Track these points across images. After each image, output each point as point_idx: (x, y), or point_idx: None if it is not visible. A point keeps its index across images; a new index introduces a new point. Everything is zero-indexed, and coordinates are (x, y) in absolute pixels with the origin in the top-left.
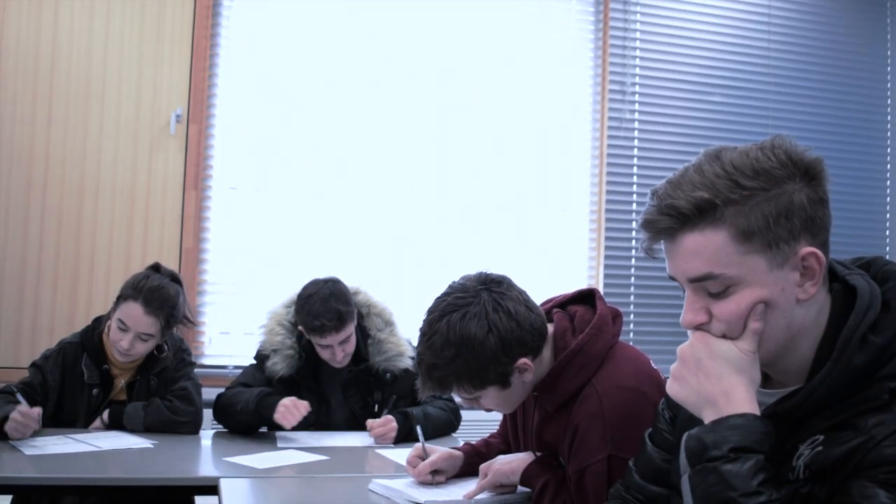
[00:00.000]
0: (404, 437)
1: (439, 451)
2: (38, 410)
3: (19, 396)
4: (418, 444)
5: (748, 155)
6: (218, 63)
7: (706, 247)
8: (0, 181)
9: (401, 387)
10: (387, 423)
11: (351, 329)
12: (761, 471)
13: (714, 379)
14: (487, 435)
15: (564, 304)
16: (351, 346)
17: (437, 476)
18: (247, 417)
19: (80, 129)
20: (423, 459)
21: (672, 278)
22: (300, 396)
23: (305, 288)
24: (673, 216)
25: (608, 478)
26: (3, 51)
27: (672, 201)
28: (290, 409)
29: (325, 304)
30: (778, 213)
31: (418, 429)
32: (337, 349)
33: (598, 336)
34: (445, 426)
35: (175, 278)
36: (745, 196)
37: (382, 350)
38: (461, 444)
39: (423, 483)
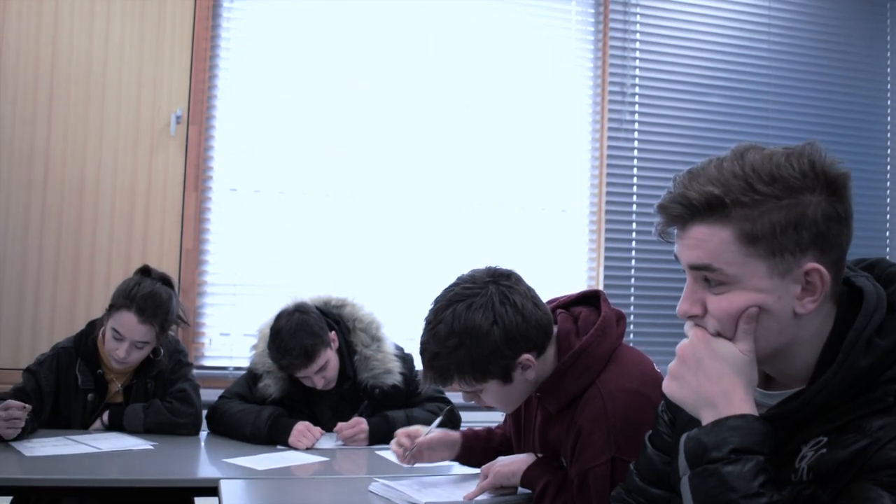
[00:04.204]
0: (381, 438)
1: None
2: (20, 404)
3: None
4: (416, 427)
5: (771, 159)
6: (218, 63)
7: (710, 239)
8: (0, 181)
9: (391, 404)
10: (356, 424)
11: (325, 357)
12: (762, 472)
13: (714, 379)
14: None
15: (568, 304)
16: (331, 372)
17: (432, 454)
18: (258, 440)
19: (80, 130)
20: (413, 440)
21: (678, 259)
22: (292, 417)
23: (275, 322)
24: (684, 206)
25: (611, 480)
26: (3, 51)
27: (685, 192)
28: (304, 432)
29: (292, 340)
30: (787, 224)
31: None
32: (315, 378)
33: (602, 338)
34: None
35: (166, 280)
36: (755, 200)
37: (369, 367)
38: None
39: (405, 459)
